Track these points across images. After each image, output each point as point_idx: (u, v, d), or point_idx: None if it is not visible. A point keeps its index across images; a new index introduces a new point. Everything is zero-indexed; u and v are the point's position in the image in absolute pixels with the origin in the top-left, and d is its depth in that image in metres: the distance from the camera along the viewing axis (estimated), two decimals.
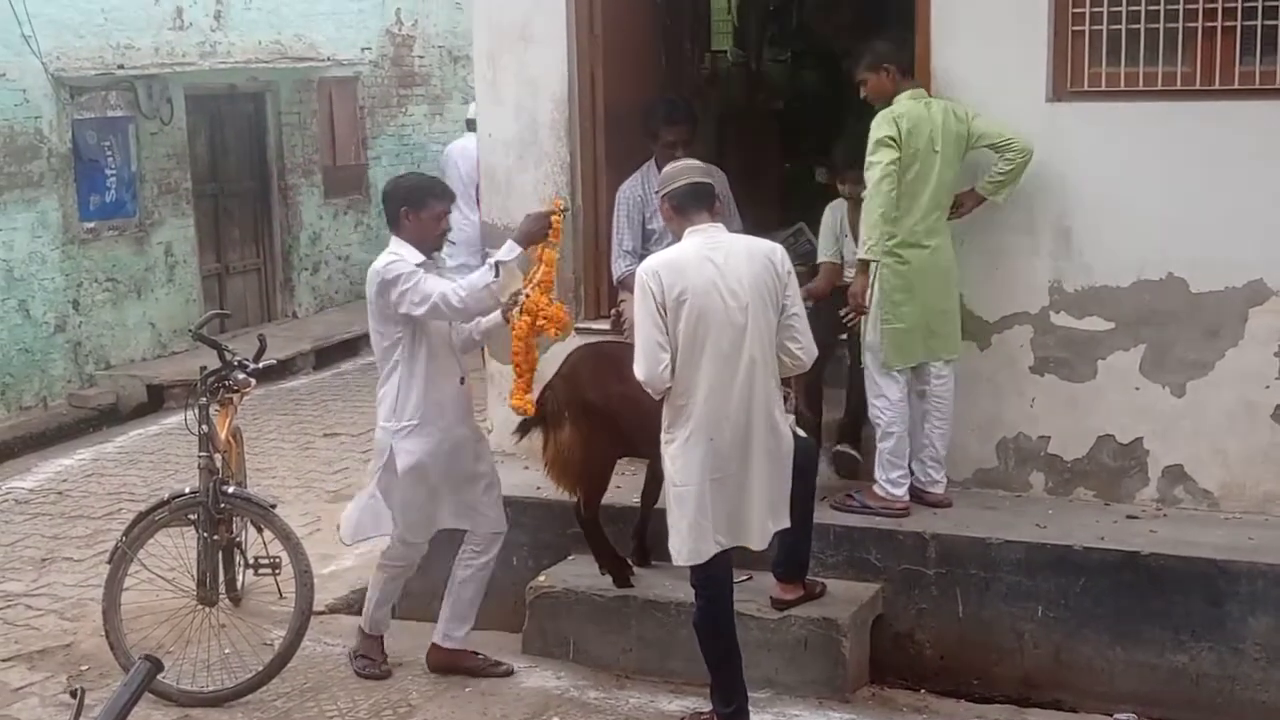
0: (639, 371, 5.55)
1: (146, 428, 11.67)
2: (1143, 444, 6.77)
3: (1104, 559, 6.30)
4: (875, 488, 6.78)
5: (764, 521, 5.68)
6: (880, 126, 6.53)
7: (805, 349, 5.68)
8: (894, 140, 6.48)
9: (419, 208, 6.19)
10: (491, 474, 6.44)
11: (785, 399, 5.82)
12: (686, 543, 5.60)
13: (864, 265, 6.59)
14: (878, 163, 6.49)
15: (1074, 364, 6.83)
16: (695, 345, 5.48)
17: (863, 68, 6.77)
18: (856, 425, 7.21)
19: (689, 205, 5.64)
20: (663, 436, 5.65)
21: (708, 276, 5.48)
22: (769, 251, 5.63)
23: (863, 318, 6.67)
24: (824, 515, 6.48)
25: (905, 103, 6.59)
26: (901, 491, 6.74)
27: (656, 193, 7.15)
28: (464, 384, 6.27)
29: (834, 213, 7.43)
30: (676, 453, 5.58)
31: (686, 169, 5.74)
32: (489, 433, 8.01)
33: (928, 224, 6.59)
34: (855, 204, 7.22)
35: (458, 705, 6.19)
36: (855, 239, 7.25)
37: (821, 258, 7.46)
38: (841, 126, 9.55)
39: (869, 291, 6.61)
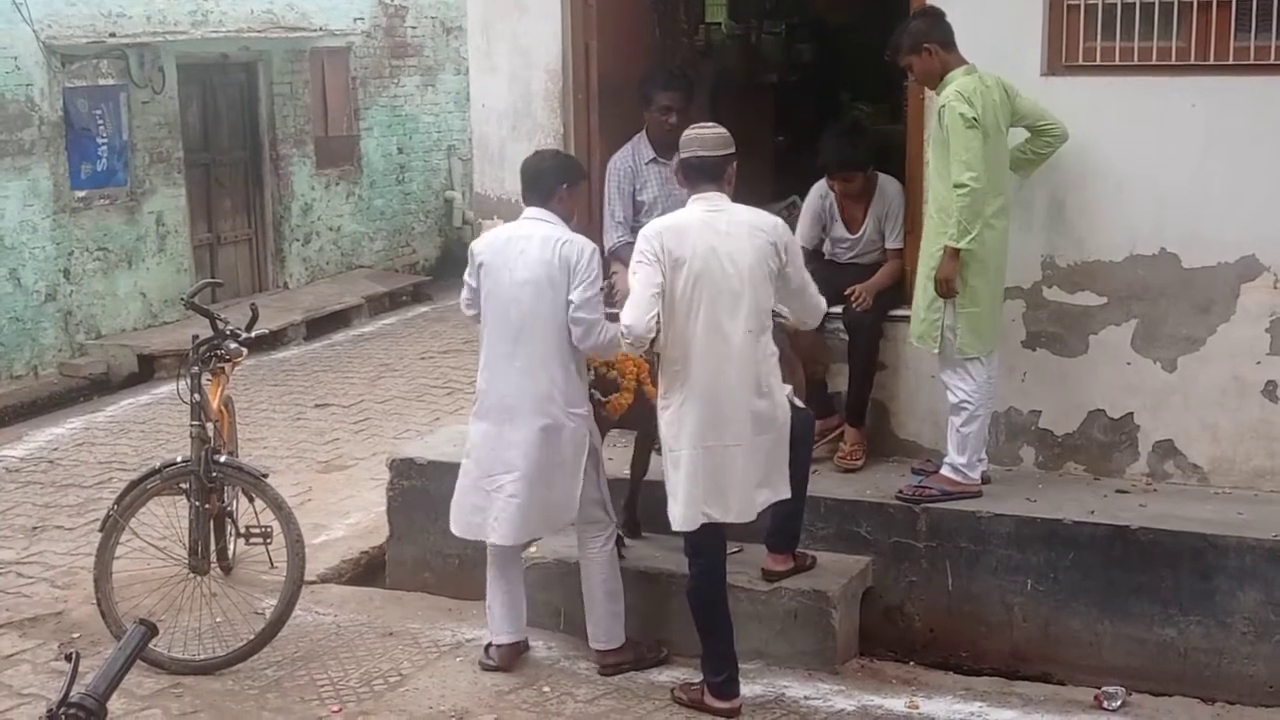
0: (626, 316, 5.51)
1: (137, 397, 11.68)
2: (1133, 419, 6.78)
3: (1094, 533, 6.31)
4: (948, 471, 6.57)
5: (758, 493, 5.71)
6: (959, 104, 6.15)
7: (813, 307, 5.87)
8: (977, 121, 6.15)
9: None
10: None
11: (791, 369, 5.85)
12: (680, 507, 5.66)
13: (954, 251, 6.24)
14: (972, 149, 6.13)
15: (1066, 339, 6.83)
16: (691, 309, 5.53)
17: (904, 53, 6.41)
18: (862, 403, 7.04)
19: (693, 176, 5.69)
20: (659, 402, 5.71)
21: (709, 243, 5.54)
22: (770, 225, 5.67)
23: (946, 301, 6.36)
24: (814, 487, 6.48)
25: (964, 79, 6.27)
26: (977, 474, 6.60)
27: (648, 161, 7.18)
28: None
29: (821, 198, 7.25)
30: (672, 418, 5.64)
31: (698, 140, 5.68)
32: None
33: (996, 204, 6.34)
34: (846, 197, 7.16)
35: (448, 675, 6.20)
36: (845, 226, 7.22)
37: (799, 242, 7.36)
38: (835, 100, 9.57)
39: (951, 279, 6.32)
